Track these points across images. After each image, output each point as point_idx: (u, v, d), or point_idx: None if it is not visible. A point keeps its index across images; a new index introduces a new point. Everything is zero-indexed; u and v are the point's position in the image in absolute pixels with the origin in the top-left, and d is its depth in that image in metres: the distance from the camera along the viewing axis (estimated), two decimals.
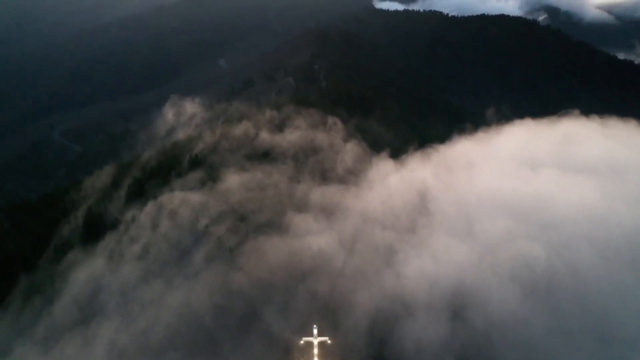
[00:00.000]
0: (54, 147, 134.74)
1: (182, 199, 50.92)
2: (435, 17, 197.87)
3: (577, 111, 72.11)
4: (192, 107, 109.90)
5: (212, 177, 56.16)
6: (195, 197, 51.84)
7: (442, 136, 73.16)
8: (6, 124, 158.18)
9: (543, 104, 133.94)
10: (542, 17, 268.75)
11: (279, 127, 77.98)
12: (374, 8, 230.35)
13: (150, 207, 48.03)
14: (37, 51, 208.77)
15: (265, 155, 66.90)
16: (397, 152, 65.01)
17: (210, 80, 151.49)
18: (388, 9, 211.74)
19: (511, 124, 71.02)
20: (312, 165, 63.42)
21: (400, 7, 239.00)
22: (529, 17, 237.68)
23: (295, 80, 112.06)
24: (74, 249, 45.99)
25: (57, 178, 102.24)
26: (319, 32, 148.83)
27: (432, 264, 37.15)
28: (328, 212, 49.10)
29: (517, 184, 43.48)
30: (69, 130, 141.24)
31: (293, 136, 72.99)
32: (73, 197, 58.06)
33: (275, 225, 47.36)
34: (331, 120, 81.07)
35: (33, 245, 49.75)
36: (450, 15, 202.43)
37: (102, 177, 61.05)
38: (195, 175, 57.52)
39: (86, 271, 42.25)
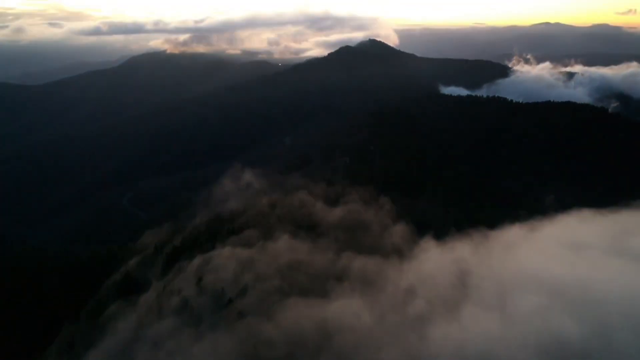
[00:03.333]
0: (122, 213, 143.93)
1: (227, 256, 53.30)
2: (499, 103, 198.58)
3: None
4: (251, 179, 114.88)
5: (256, 241, 58.27)
6: (240, 255, 54.07)
7: (494, 221, 71.96)
8: (83, 190, 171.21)
9: (610, 194, 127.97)
10: (612, 105, 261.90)
11: (330, 202, 79.92)
12: (438, 92, 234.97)
13: (189, 265, 50.49)
14: (118, 125, 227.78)
15: (313, 226, 68.47)
16: (444, 234, 64.53)
17: (272, 156, 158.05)
18: (451, 94, 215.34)
19: (568, 213, 69.44)
20: (357, 239, 64.31)
21: (465, 92, 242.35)
22: (599, 104, 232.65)
23: (350, 160, 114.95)
24: (112, 303, 48.65)
25: (120, 242, 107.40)
26: (378, 114, 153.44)
27: (462, 335, 36.58)
28: (367, 282, 49.86)
29: (560, 266, 42.32)
30: (137, 198, 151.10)
31: (342, 211, 74.59)
32: (119, 257, 61.86)
33: (313, 289, 48.53)
34: (382, 199, 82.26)
35: (77, 299, 52.91)
36: (514, 101, 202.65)
37: (148, 240, 64.82)
38: (242, 238, 60.04)
39: (122, 324, 44.56)
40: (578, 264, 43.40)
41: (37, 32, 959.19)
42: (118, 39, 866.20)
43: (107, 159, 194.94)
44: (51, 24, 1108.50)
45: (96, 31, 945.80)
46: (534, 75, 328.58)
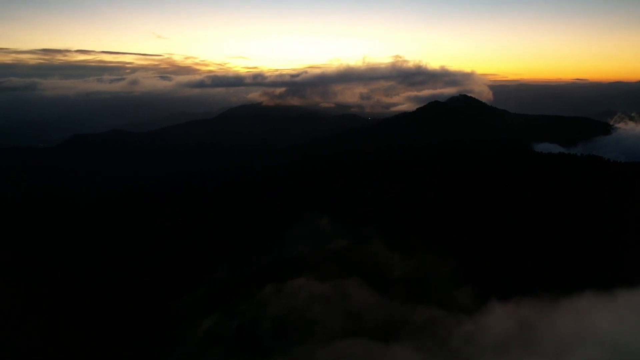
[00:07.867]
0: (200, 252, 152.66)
1: (299, 287, 56.57)
2: (595, 161, 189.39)
3: None
4: (331, 226, 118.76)
5: (328, 279, 61.00)
6: (312, 288, 57.08)
7: (574, 289, 69.29)
8: (173, 229, 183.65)
9: None
10: None
11: (405, 252, 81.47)
12: (529, 149, 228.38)
13: (259, 293, 54.11)
14: (211, 171, 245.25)
15: (384, 274, 70.31)
16: (510, 296, 63.40)
17: (354, 206, 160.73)
18: (542, 151, 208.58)
19: None
20: (426, 291, 65.18)
21: (558, 149, 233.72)
22: None
23: (430, 214, 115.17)
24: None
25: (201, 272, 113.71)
26: (461, 170, 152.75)
27: None
28: (428, 332, 50.69)
29: (628, 330, 40.84)
30: (220, 241, 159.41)
31: (415, 262, 75.85)
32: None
33: (375, 332, 50.07)
34: (458, 256, 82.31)
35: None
36: (612, 160, 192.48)
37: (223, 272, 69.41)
38: (314, 274, 63.07)
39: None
40: None
41: (149, 84, 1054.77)
42: (220, 91, 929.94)
43: (197, 202, 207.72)
44: (162, 77, 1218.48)
45: (201, 84, 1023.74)
46: (637, 132, 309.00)
